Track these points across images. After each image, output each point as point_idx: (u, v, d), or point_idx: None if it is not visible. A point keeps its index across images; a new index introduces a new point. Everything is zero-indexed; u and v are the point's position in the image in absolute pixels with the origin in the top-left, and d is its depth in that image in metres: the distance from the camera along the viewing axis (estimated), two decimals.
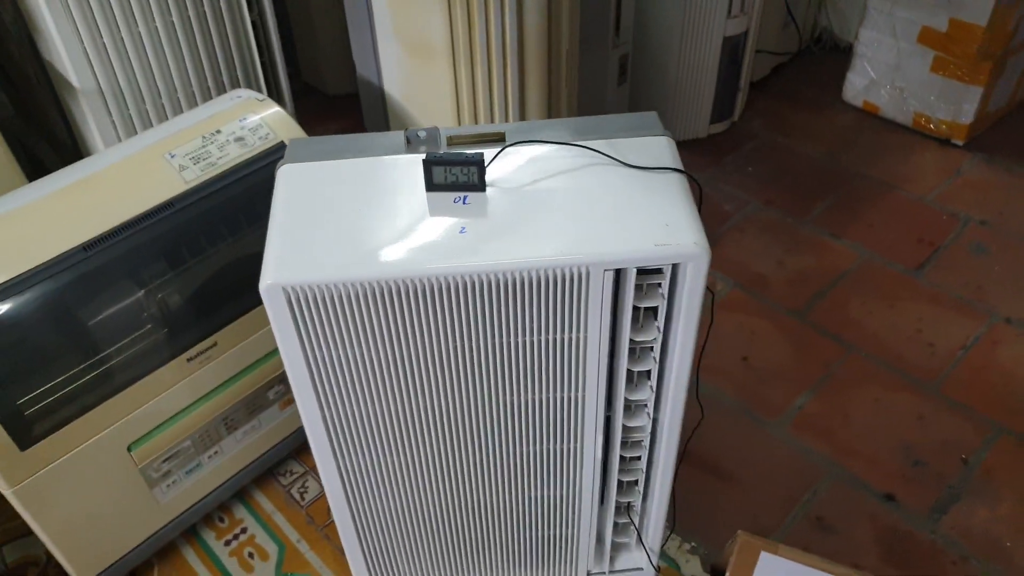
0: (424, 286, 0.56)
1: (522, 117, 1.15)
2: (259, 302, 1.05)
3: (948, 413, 1.30)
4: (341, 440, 0.67)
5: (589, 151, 0.63)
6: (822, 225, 1.63)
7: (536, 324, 0.60)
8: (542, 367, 0.63)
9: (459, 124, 1.14)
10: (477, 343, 0.61)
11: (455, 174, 0.60)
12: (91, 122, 1.22)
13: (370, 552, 0.77)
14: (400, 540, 0.77)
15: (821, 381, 1.34)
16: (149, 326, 0.97)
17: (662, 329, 0.61)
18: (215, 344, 1.03)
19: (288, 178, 0.64)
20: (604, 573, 0.83)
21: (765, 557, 0.91)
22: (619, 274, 0.58)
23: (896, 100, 1.82)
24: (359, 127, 1.98)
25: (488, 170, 0.63)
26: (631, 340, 0.62)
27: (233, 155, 1.02)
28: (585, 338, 0.61)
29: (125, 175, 0.98)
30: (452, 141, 0.65)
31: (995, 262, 1.52)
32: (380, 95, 1.18)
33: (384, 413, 0.65)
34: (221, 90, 1.32)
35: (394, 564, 0.80)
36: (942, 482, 1.21)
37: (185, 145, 1.02)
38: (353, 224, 0.59)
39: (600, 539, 0.80)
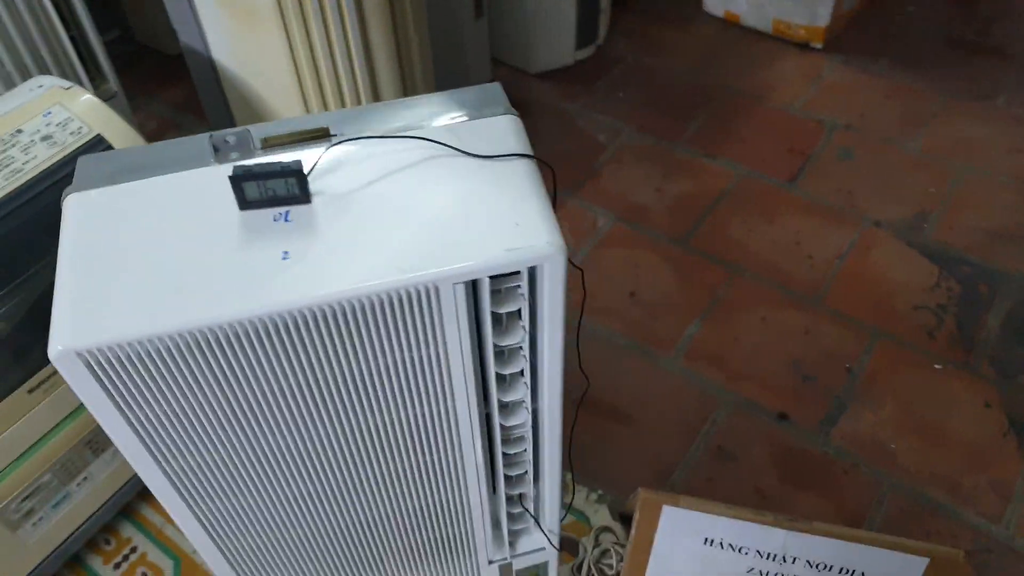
0: (240, 330, 0.49)
1: (371, 72, 1.05)
2: None
3: (831, 324, 1.33)
4: (192, 491, 0.60)
5: (427, 142, 0.56)
6: (696, 146, 1.61)
7: (388, 345, 0.54)
8: (403, 386, 0.57)
9: (301, 90, 1.03)
10: (323, 374, 0.54)
11: (271, 187, 0.52)
12: None
13: None
14: (281, 566, 0.72)
15: (709, 307, 1.35)
16: None
17: (528, 328, 0.57)
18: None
19: (75, 212, 0.54)
20: (506, 559, 0.80)
21: (667, 510, 0.91)
22: (474, 282, 0.52)
23: (755, 7, 1.79)
24: None
25: (312, 175, 0.55)
26: (496, 345, 0.57)
27: (42, 157, 0.89)
28: (446, 352, 0.55)
29: None
30: (268, 143, 0.57)
31: (861, 165, 1.54)
32: (209, 64, 1.05)
33: (233, 457, 0.59)
34: (27, 77, 1.15)
35: None
36: (830, 394, 1.25)
37: None
38: (157, 264, 0.51)
39: (497, 527, 0.77)
